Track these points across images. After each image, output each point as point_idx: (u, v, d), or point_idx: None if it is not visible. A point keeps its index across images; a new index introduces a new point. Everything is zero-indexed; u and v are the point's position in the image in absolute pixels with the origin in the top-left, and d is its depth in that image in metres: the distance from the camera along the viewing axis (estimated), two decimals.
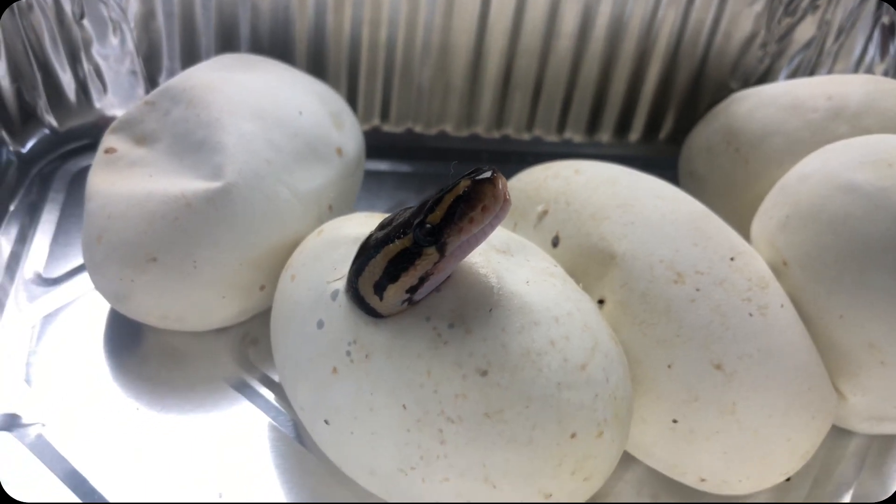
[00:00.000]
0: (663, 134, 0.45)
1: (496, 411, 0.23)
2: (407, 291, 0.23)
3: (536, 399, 0.23)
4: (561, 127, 0.44)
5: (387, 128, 0.43)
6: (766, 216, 0.30)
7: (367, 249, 0.23)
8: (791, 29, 0.42)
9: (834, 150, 0.29)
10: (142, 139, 0.31)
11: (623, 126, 0.45)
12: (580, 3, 0.40)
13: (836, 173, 0.28)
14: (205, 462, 0.28)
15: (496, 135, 0.44)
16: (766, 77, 0.44)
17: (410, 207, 0.24)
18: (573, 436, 0.23)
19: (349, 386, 0.24)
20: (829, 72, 0.43)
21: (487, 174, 0.21)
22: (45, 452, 0.28)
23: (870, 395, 0.28)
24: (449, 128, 0.44)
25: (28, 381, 0.30)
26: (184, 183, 0.28)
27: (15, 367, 0.30)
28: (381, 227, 0.24)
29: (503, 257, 0.26)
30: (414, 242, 0.22)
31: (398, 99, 0.42)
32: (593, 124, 0.45)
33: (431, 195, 0.22)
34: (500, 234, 0.27)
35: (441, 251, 0.22)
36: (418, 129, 0.44)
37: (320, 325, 0.25)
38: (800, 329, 0.27)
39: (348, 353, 0.24)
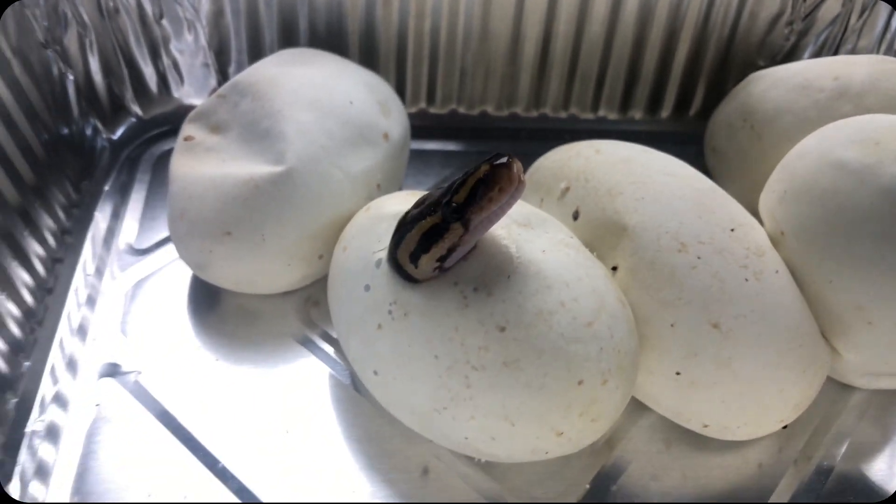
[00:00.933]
0: (693, 110, 0.48)
1: (513, 361, 0.26)
2: (437, 260, 0.26)
3: (548, 351, 0.26)
4: (595, 105, 0.47)
5: (433, 109, 0.47)
6: (769, 190, 0.33)
7: (404, 225, 0.27)
8: (816, 7, 0.44)
9: (829, 129, 0.32)
10: (215, 128, 0.35)
11: (654, 103, 0.47)
12: None
13: (828, 151, 0.30)
14: (274, 405, 0.33)
15: (534, 114, 0.47)
16: (792, 54, 0.45)
17: (441, 188, 0.28)
18: (580, 383, 0.27)
19: (391, 340, 0.28)
20: (854, 48, 0.45)
21: (504, 160, 0.25)
22: (142, 395, 0.33)
23: (862, 353, 0.31)
24: (490, 108, 0.47)
25: (125, 335, 0.35)
26: (252, 167, 0.33)
27: (114, 324, 0.35)
28: (417, 205, 0.28)
29: (523, 230, 0.29)
30: (442, 219, 0.26)
31: (442, 83, 0.45)
32: (626, 102, 0.47)
33: (458, 178, 0.26)
34: (522, 210, 0.30)
35: (465, 226, 0.26)
36: (461, 109, 0.47)
37: (367, 288, 0.29)
38: (793, 293, 0.30)
39: (390, 313, 0.28)
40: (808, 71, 0.37)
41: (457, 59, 0.45)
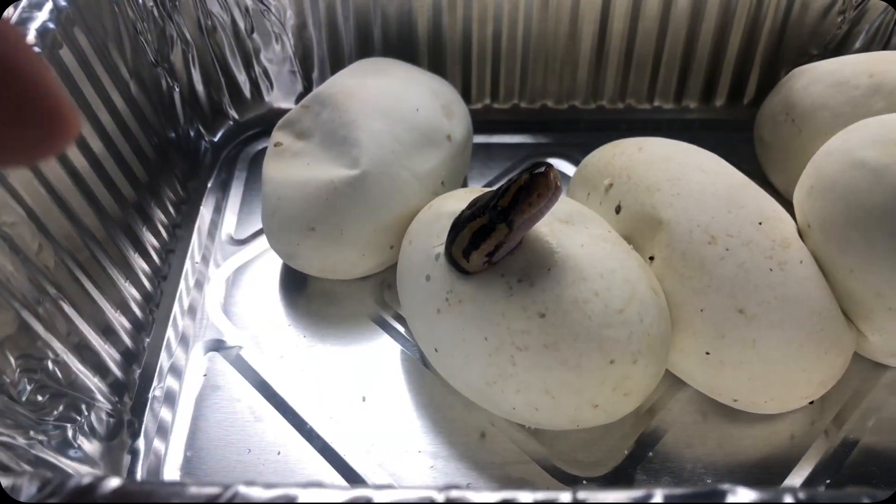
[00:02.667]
0: (747, 98, 0.49)
1: (552, 343, 0.30)
2: (486, 255, 0.31)
3: (582, 335, 0.30)
4: (650, 96, 0.49)
5: (496, 105, 0.50)
6: (800, 184, 0.35)
7: (458, 225, 0.31)
8: None
9: (854, 128, 0.34)
10: (300, 134, 0.40)
11: (708, 92, 0.49)
12: None
13: (850, 150, 0.32)
14: (352, 376, 0.37)
15: (592, 105, 0.50)
16: (844, 42, 0.46)
17: (490, 191, 0.32)
18: (612, 362, 0.30)
19: (448, 323, 0.32)
20: None
21: (542, 169, 0.29)
22: (243, 367, 0.38)
23: (885, 335, 0.33)
24: (550, 102, 0.50)
25: (228, 315, 0.40)
26: (331, 171, 0.37)
27: (218, 306, 0.41)
28: (469, 206, 0.32)
29: (565, 226, 0.33)
30: (489, 220, 0.30)
31: (505, 80, 0.49)
32: (680, 92, 0.49)
33: (503, 184, 0.30)
34: (565, 207, 0.34)
35: (509, 226, 0.29)
36: (523, 104, 0.50)
37: (428, 278, 0.33)
38: (817, 281, 0.33)
39: (447, 300, 0.32)
40: (846, 68, 0.38)
41: (517, 58, 0.48)
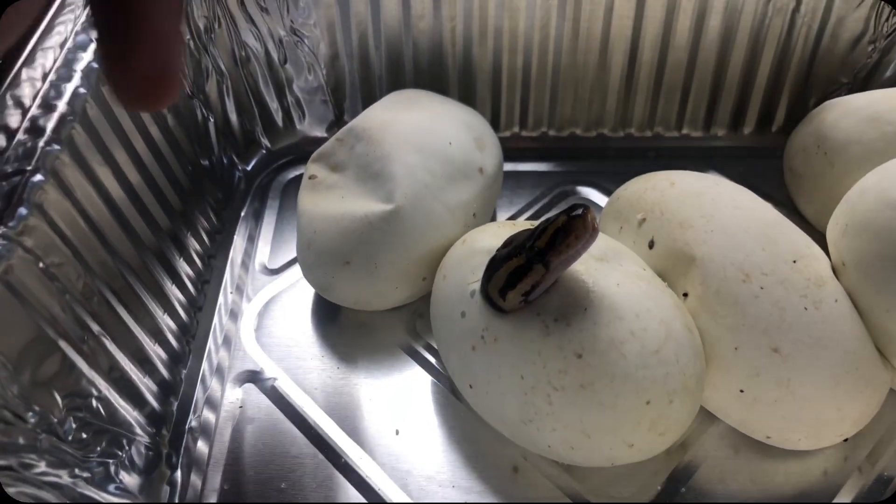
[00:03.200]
0: (775, 126, 0.49)
1: (589, 383, 0.31)
2: (522, 295, 0.31)
3: (619, 376, 0.30)
4: (679, 124, 0.50)
5: (525, 133, 0.50)
6: (834, 221, 0.35)
7: (494, 264, 0.32)
8: None
9: (889, 167, 0.33)
10: (335, 167, 0.41)
11: (737, 120, 0.49)
12: (692, 18, 0.45)
13: (885, 190, 0.32)
14: (386, 409, 0.38)
15: (620, 133, 0.50)
16: (874, 71, 0.46)
17: (526, 230, 0.32)
18: (648, 403, 0.31)
19: (484, 360, 0.33)
20: None
21: (579, 211, 0.29)
22: (278, 398, 0.38)
23: None
24: (578, 130, 0.50)
25: (262, 346, 0.41)
26: (366, 205, 0.38)
27: (253, 337, 0.41)
28: (505, 245, 0.32)
29: (600, 264, 0.33)
30: (526, 260, 0.30)
31: (534, 108, 0.49)
32: (709, 120, 0.49)
33: (540, 224, 0.30)
34: (600, 244, 0.34)
35: (546, 267, 0.30)
36: (552, 132, 0.50)
37: (463, 315, 0.34)
38: (852, 320, 0.33)
39: (482, 337, 0.33)
40: (879, 103, 0.38)
41: (547, 88, 0.48)
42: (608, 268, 0.33)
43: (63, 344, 0.30)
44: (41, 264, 0.30)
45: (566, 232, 0.29)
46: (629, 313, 0.31)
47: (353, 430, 0.37)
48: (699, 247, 0.34)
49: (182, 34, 0.17)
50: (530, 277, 0.30)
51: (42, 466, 0.27)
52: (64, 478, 0.29)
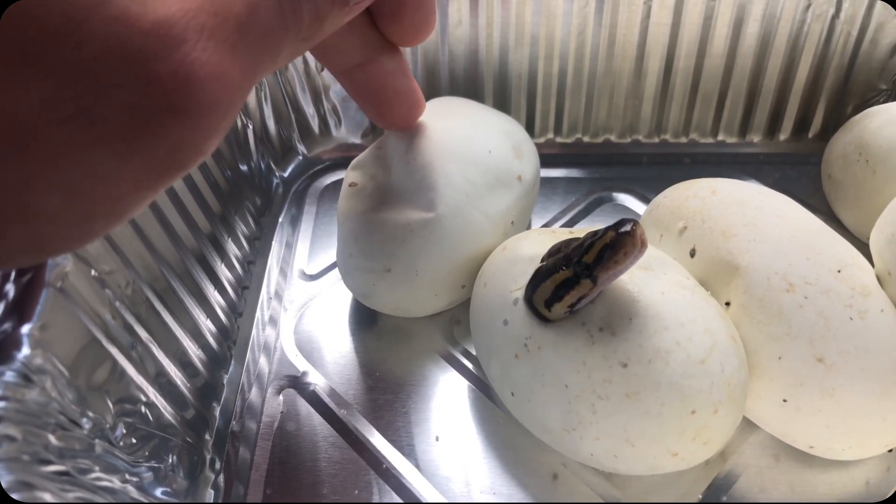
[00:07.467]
0: (812, 132, 0.49)
1: (634, 393, 0.31)
2: (568, 307, 0.31)
3: (664, 385, 0.30)
4: (714, 130, 0.50)
5: (559, 139, 0.50)
6: (879, 230, 0.35)
7: (540, 275, 0.32)
8: None
9: None
10: (374, 176, 0.41)
11: (773, 127, 0.49)
12: (729, 26, 0.45)
13: None
14: (425, 415, 0.38)
15: (655, 140, 0.50)
16: None
17: (572, 240, 0.32)
18: (693, 412, 0.31)
19: (527, 368, 0.33)
20: None
21: (628, 227, 0.29)
22: (318, 404, 0.39)
23: None
24: (613, 136, 0.50)
25: (302, 352, 0.41)
26: (407, 213, 0.38)
27: (292, 342, 0.42)
28: (550, 254, 0.32)
29: (644, 273, 0.33)
30: (574, 274, 0.30)
31: (569, 114, 0.49)
32: (744, 126, 0.49)
33: (588, 238, 0.30)
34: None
35: (594, 282, 0.30)
36: (586, 138, 0.50)
37: (505, 323, 0.34)
38: None
39: (525, 345, 0.33)
40: None
41: (582, 94, 0.48)
42: (652, 277, 0.33)
43: (114, 350, 0.31)
44: (93, 272, 0.30)
45: (615, 249, 0.29)
46: (674, 323, 0.31)
47: (394, 436, 0.37)
48: (742, 256, 0.34)
49: None
50: (577, 291, 0.30)
51: (97, 471, 0.28)
52: (116, 483, 0.29)
